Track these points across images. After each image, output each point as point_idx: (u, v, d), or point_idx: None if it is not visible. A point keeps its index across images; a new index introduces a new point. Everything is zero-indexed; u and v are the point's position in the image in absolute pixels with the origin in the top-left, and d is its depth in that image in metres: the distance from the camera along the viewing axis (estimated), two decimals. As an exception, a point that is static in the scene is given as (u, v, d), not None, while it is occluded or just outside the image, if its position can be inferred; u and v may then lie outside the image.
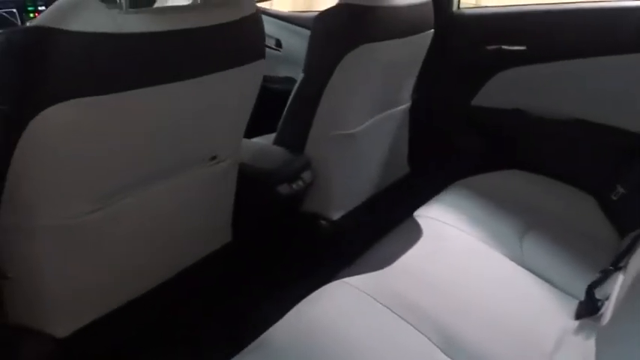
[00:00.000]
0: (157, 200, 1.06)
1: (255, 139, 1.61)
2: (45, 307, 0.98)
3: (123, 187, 0.97)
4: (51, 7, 0.78)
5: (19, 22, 1.62)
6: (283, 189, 1.34)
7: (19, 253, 0.94)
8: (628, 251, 1.06)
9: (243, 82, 1.10)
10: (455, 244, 1.25)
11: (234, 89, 1.08)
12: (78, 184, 0.90)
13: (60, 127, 0.81)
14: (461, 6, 1.94)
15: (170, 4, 0.95)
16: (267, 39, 2.21)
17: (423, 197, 1.45)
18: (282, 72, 2.17)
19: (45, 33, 0.76)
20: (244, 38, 1.04)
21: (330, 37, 1.35)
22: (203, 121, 1.05)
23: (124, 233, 1.02)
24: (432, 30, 1.59)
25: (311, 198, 1.52)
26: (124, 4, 0.80)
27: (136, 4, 0.82)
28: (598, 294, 1.04)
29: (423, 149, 1.93)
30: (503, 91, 1.84)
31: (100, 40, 0.79)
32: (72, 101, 0.79)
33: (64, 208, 0.90)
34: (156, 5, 0.91)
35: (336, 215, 1.53)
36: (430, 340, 0.93)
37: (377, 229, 1.32)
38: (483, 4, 2.29)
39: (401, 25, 1.42)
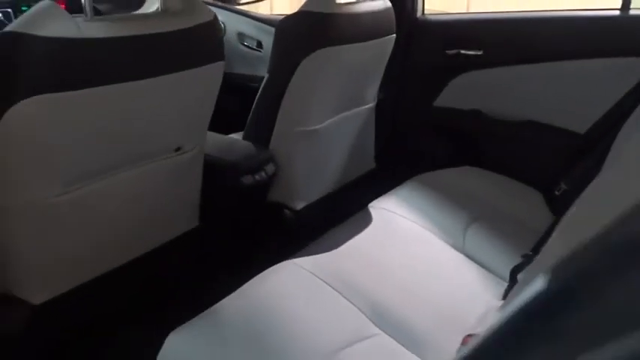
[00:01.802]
0: (123, 186, 1.16)
1: (230, 135, 1.73)
2: (20, 276, 1.09)
3: (89, 174, 1.07)
4: (23, 16, 0.90)
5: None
6: (246, 179, 1.45)
7: None
8: (547, 237, 1.16)
9: (203, 81, 1.21)
10: (402, 232, 1.33)
11: (195, 87, 1.19)
12: (46, 170, 1.00)
13: (30, 119, 0.92)
14: (426, 12, 2.04)
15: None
16: (249, 40, 2.33)
17: (385, 192, 1.52)
18: (264, 72, 2.26)
19: (16, 37, 0.88)
20: (201, 42, 1.16)
21: (289, 42, 1.47)
22: (166, 116, 1.17)
23: (91, 214, 1.13)
24: (394, 35, 1.69)
25: (276, 189, 1.63)
26: (88, 13, 0.93)
27: (99, 13, 0.94)
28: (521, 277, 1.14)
29: (389, 147, 2.03)
30: (463, 93, 1.94)
31: (65, 44, 0.90)
32: (40, 97, 0.90)
33: (33, 190, 1.01)
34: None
35: (299, 205, 1.64)
36: (364, 313, 1.02)
37: (336, 218, 1.40)
38: (453, 10, 2.40)
39: (360, 30, 1.52)
